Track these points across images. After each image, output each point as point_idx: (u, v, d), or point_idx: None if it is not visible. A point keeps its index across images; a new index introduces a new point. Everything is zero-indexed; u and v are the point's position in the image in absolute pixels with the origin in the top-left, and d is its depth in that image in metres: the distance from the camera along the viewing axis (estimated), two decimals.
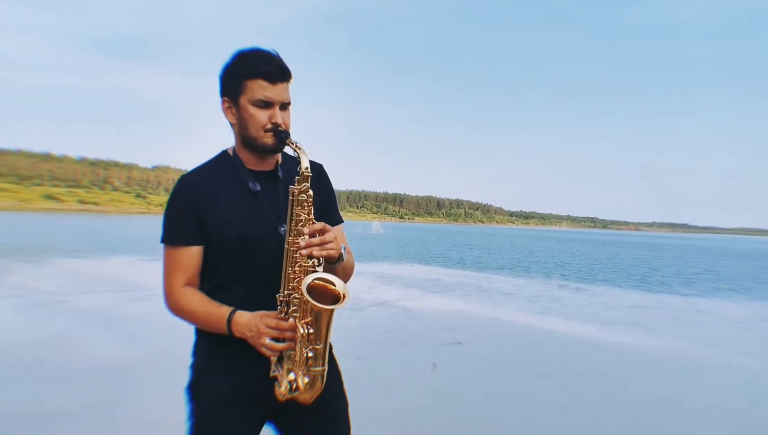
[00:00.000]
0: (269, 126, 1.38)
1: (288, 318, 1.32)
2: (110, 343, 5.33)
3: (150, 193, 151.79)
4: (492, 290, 11.14)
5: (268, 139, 1.39)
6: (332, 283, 1.31)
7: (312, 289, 1.27)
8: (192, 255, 1.42)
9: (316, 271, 1.33)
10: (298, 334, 1.29)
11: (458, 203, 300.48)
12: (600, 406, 4.18)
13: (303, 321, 1.30)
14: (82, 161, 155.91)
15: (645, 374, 5.19)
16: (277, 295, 1.35)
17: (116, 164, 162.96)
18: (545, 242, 45.51)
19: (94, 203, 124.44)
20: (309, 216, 1.35)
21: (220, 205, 1.41)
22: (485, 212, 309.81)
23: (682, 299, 11.23)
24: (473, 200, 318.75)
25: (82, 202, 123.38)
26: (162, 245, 1.44)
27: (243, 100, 1.39)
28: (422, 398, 4.15)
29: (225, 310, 1.37)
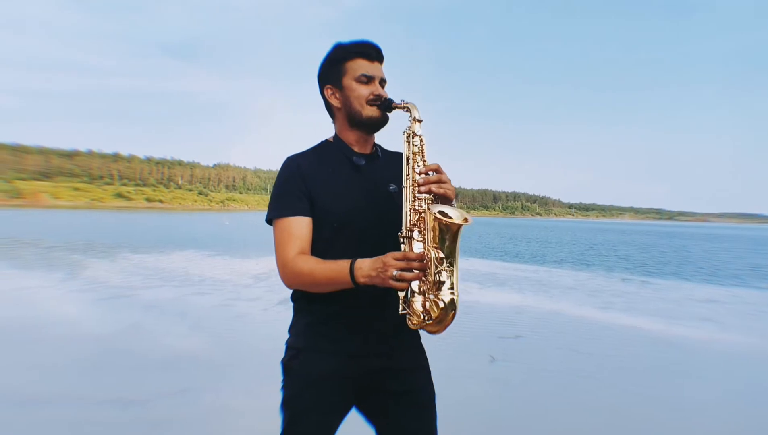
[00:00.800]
0: (372, 97, 1.48)
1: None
2: (179, 334, 5.56)
3: (211, 191, 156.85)
4: (551, 284, 10.93)
5: (373, 112, 1.49)
6: (449, 215, 1.32)
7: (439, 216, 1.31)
8: (303, 225, 1.47)
9: (436, 204, 1.36)
10: (429, 259, 1.30)
11: (515, 196, 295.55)
12: (666, 402, 4.04)
13: (431, 245, 1.31)
14: (149, 161, 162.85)
15: (717, 370, 4.99)
16: (399, 233, 1.38)
17: (179, 163, 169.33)
18: (607, 235, 44.16)
19: (160, 201, 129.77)
20: (423, 157, 1.41)
21: (327, 180, 1.49)
22: (543, 205, 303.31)
23: (757, 293, 10.68)
24: (530, 193, 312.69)
25: (148, 199, 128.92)
26: (271, 224, 1.50)
27: (346, 80, 1.49)
28: (481, 390, 4.13)
29: (345, 261, 1.37)
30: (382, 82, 1.52)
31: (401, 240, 1.37)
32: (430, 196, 1.37)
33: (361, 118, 1.49)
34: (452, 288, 1.31)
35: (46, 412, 3.41)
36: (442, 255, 1.30)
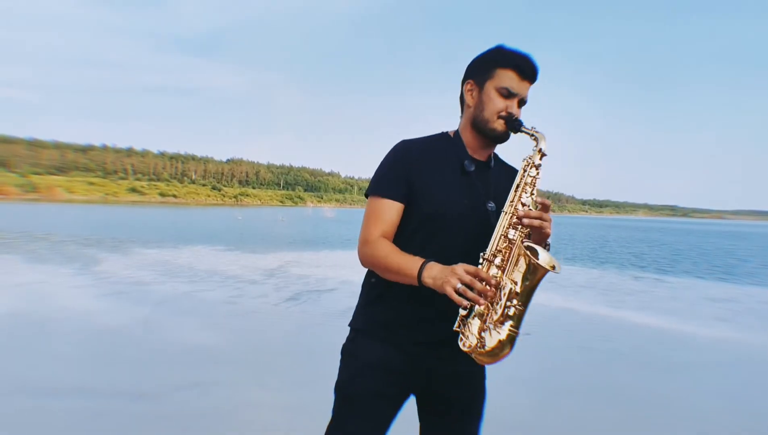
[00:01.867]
0: (504, 113, 1.45)
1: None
2: (191, 328, 5.61)
3: (225, 186, 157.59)
4: (562, 281, 10.86)
5: (499, 126, 1.46)
6: (539, 258, 1.29)
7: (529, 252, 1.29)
8: (393, 210, 1.46)
9: (530, 242, 1.35)
10: (502, 288, 1.29)
11: None
12: (679, 401, 4.01)
13: (509, 276, 1.30)
14: (162, 155, 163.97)
15: (731, 368, 4.94)
16: (481, 253, 1.36)
17: (193, 158, 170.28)
18: (620, 232, 43.81)
19: (174, 195, 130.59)
20: (532, 189, 1.41)
21: (432, 175, 1.47)
22: (556, 201, 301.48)
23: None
24: (543, 189, 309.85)
25: (162, 194, 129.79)
26: (367, 198, 1.51)
27: (489, 84, 1.46)
28: (492, 387, 4.12)
29: (419, 259, 1.36)
30: (522, 102, 1.48)
31: (481, 261, 1.35)
32: (526, 230, 1.35)
33: (485, 127, 1.47)
34: (517, 326, 1.29)
35: (61, 404, 3.46)
36: (518, 290, 1.28)
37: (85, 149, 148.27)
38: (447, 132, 1.57)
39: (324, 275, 9.91)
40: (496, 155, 1.59)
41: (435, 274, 1.31)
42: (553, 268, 1.28)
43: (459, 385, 1.52)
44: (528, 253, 1.26)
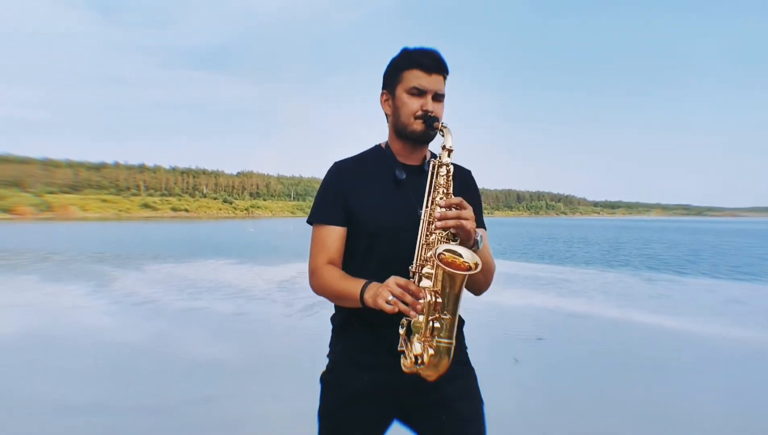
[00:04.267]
0: (419, 113, 1.43)
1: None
2: (204, 341, 5.65)
3: (236, 199, 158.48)
4: (575, 284, 10.81)
5: (418, 126, 1.44)
6: (461, 255, 1.25)
7: (442, 259, 1.23)
8: (335, 235, 1.48)
9: (449, 243, 1.29)
10: (425, 301, 1.23)
11: (539, 195, 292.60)
12: (694, 402, 3.98)
13: (432, 289, 1.25)
14: (173, 170, 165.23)
15: (748, 369, 4.88)
16: (409, 267, 1.33)
17: (204, 172, 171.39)
18: (632, 232, 43.46)
19: (186, 210, 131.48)
20: (448, 190, 1.37)
21: (366, 191, 1.48)
22: (568, 203, 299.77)
23: None
24: (554, 192, 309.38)
25: (174, 209, 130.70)
26: (311, 226, 1.53)
27: (399, 89, 1.46)
28: (505, 392, 4.11)
29: (362, 281, 1.35)
30: (438, 96, 1.45)
31: (411, 275, 1.31)
32: (446, 233, 1.31)
33: (405, 130, 1.46)
34: (449, 337, 1.25)
35: (78, 419, 3.50)
36: (439, 300, 1.23)
37: (98, 167, 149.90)
38: (380, 144, 1.57)
39: None
40: (432, 154, 1.56)
41: (372, 292, 1.29)
42: (470, 268, 1.23)
43: (443, 394, 1.46)
44: (438, 261, 1.21)
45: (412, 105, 1.43)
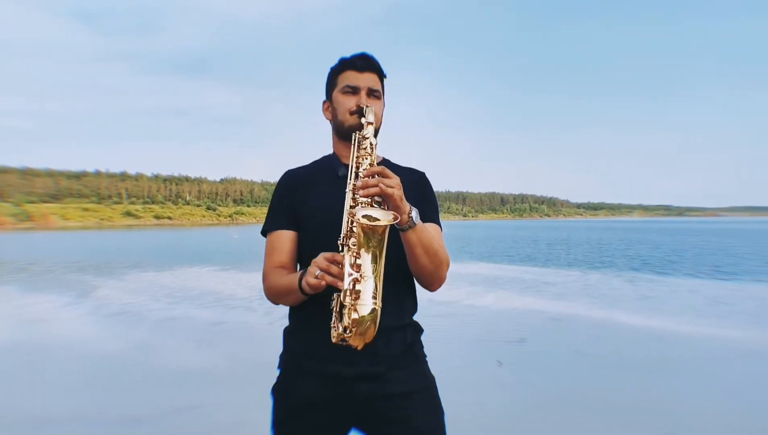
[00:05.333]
0: (354, 108, 1.45)
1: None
2: (188, 350, 5.61)
3: (219, 205, 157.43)
4: (558, 286, 10.90)
5: (353, 120, 1.45)
6: (377, 218, 1.17)
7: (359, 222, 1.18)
8: (284, 239, 1.50)
9: (371, 208, 1.24)
10: (340, 260, 1.20)
11: (522, 198, 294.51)
12: (676, 401, 4.03)
13: (351, 251, 1.21)
14: (156, 178, 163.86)
15: (729, 367, 4.95)
16: (337, 241, 1.27)
17: (187, 179, 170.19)
18: (615, 233, 43.91)
19: (169, 217, 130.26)
20: (372, 161, 1.36)
21: (313, 193, 1.50)
22: (551, 205, 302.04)
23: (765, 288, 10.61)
24: (538, 194, 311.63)
25: (157, 217, 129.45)
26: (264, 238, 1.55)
27: (335, 92, 1.50)
28: (490, 395, 4.14)
29: (301, 272, 1.34)
30: (373, 92, 1.47)
31: (340, 248, 1.25)
32: (370, 201, 1.26)
33: (344, 129, 1.47)
34: (374, 297, 1.18)
35: (59, 432, 3.45)
36: (358, 261, 1.19)
37: (79, 175, 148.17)
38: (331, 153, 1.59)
39: None
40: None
41: (306, 276, 1.26)
42: (390, 220, 1.17)
43: (399, 407, 1.41)
44: (356, 216, 1.16)
45: (347, 103, 1.46)
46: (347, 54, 1.52)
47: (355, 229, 1.21)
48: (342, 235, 1.26)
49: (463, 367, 4.89)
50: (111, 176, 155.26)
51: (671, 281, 11.64)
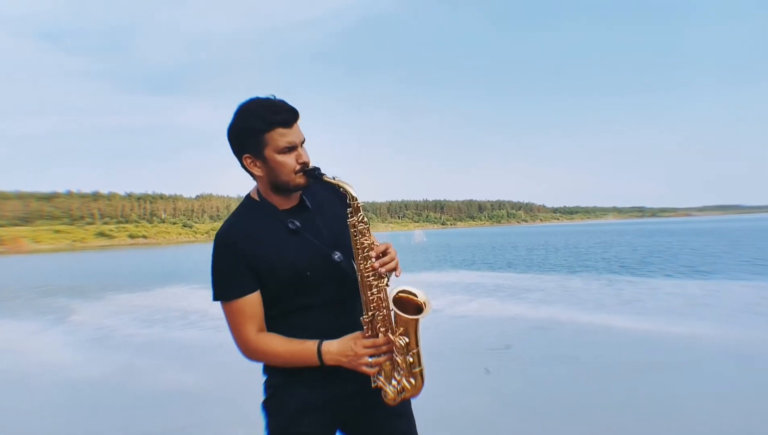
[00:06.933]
0: (298, 168, 1.47)
1: (377, 335, 1.47)
2: (174, 370, 5.51)
3: (196, 222, 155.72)
4: (537, 291, 10.98)
5: (300, 180, 1.48)
6: (414, 294, 1.48)
7: (397, 302, 1.46)
8: (254, 302, 1.49)
9: (397, 287, 1.50)
10: (397, 345, 1.45)
11: (500, 204, 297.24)
12: (660, 401, 4.07)
13: (397, 334, 1.45)
14: (129, 197, 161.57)
15: (713, 367, 5.02)
16: (361, 318, 1.48)
17: (161, 197, 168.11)
18: (593, 237, 44.49)
19: (144, 236, 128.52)
20: (372, 241, 1.49)
21: (267, 249, 1.48)
22: (528, 211, 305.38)
23: (740, 285, 10.82)
24: (515, 200, 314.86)
25: (131, 236, 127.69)
26: (219, 302, 1.50)
27: (268, 151, 1.45)
28: (479, 402, 4.13)
29: (311, 343, 1.46)
30: (302, 142, 1.49)
31: (363, 325, 1.47)
32: (382, 279, 1.48)
33: (288, 186, 1.49)
34: (420, 363, 1.48)
35: None
36: (407, 340, 1.45)
37: (49, 197, 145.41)
38: (249, 194, 1.58)
39: None
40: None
41: (336, 356, 1.45)
42: (425, 305, 1.47)
43: (377, 396, 1.53)
44: (399, 312, 1.43)
45: (290, 162, 1.45)
46: (256, 98, 1.47)
47: (394, 313, 1.45)
48: (366, 315, 1.47)
49: (450, 375, 4.88)
50: (83, 196, 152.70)
51: (651, 282, 11.79)
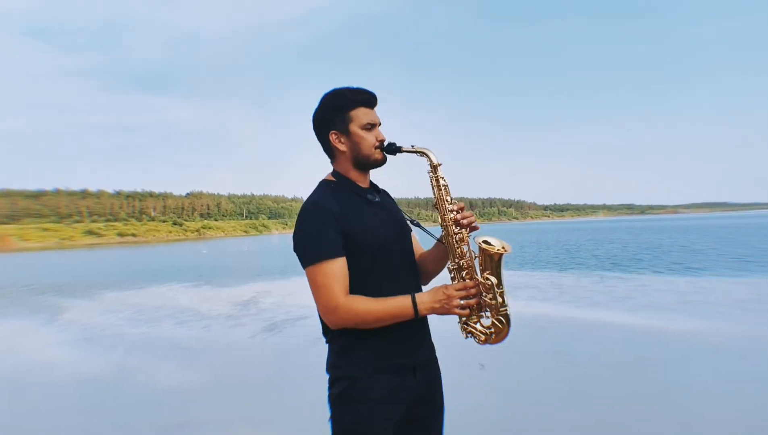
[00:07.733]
0: (377, 143, 1.67)
1: (466, 280, 1.61)
2: (169, 368, 5.49)
3: (186, 220, 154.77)
4: (530, 288, 11.03)
5: (379, 155, 1.69)
6: (490, 243, 1.60)
7: (482, 248, 1.59)
8: (343, 265, 1.57)
9: (477, 237, 1.65)
10: (486, 285, 1.57)
11: (491, 202, 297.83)
12: (654, 396, 4.12)
13: (485, 274, 1.58)
14: (118, 195, 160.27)
15: (707, 362, 5.08)
16: (447, 266, 1.66)
17: (151, 194, 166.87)
18: (583, 234, 44.71)
19: (133, 235, 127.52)
20: (450, 196, 1.68)
21: (354, 217, 1.61)
22: (519, 208, 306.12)
23: (729, 281, 10.93)
24: (506, 198, 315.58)
25: (121, 234, 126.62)
26: (308, 268, 1.57)
27: (353, 126, 1.66)
28: (476, 398, 4.15)
29: (403, 297, 1.56)
30: (379, 124, 1.70)
31: (451, 273, 1.64)
32: (464, 230, 1.65)
33: (368, 162, 1.68)
34: (506, 305, 1.59)
35: None
36: (495, 280, 1.56)
37: (37, 195, 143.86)
38: (326, 180, 1.72)
39: (297, 302, 9.82)
40: (383, 190, 1.82)
41: (429, 304, 1.55)
42: (504, 248, 1.59)
43: (434, 388, 1.75)
44: (483, 245, 1.57)
45: (370, 138, 1.66)
46: (342, 86, 1.68)
47: (481, 250, 1.59)
48: (451, 263, 1.64)
49: (445, 371, 4.89)
50: (71, 194, 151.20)
51: (641, 279, 11.87)
